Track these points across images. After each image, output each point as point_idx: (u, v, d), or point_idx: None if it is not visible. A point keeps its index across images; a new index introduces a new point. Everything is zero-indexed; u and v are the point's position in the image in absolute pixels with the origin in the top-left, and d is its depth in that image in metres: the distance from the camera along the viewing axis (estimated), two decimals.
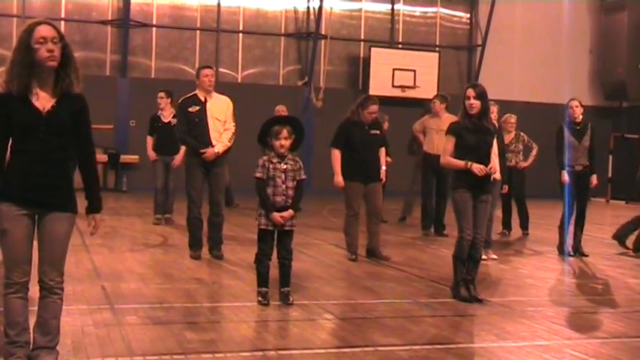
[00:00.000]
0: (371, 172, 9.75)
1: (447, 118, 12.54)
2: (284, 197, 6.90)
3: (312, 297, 7.41)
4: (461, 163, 7.37)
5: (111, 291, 7.29)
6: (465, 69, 24.06)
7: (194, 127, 9.28)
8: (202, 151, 9.18)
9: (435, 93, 21.78)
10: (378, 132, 9.86)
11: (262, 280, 7.01)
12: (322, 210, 16.08)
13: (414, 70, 22.28)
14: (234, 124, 9.46)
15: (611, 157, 24.25)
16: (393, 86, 22.00)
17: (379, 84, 21.94)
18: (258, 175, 6.92)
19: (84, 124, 4.64)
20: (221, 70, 21.60)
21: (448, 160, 7.53)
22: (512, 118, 13.00)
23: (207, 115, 9.30)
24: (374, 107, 9.73)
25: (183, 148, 12.29)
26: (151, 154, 12.91)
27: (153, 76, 21.10)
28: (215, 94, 9.50)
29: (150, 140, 13.03)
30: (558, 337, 6.21)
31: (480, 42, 23.49)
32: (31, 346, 4.66)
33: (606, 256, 11.06)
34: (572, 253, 10.74)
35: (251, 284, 7.28)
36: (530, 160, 13.04)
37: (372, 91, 21.46)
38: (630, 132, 24.08)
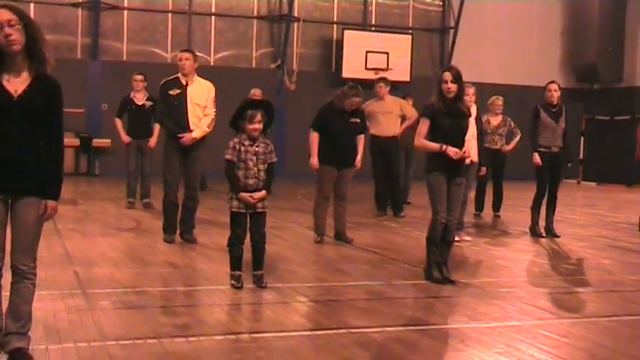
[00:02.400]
0: (346, 158, 9.78)
1: (391, 101, 12.63)
2: (256, 180, 6.88)
3: (286, 280, 7.42)
4: (436, 145, 7.37)
5: (83, 276, 7.25)
6: (438, 51, 24.10)
7: (173, 110, 9.22)
8: (180, 135, 9.12)
9: (408, 75, 22.07)
10: (358, 120, 9.86)
11: (235, 263, 7.00)
12: (296, 193, 16.09)
13: (387, 53, 22.29)
14: (214, 109, 9.40)
15: (582, 138, 24.46)
16: (366, 69, 21.99)
17: (352, 67, 21.93)
18: (228, 157, 6.89)
19: (56, 109, 4.57)
20: None
21: (423, 142, 7.51)
22: (500, 100, 13.04)
23: (187, 99, 9.24)
24: (355, 100, 9.73)
25: (157, 129, 12.34)
26: (125, 137, 12.82)
27: (124, 59, 20.93)
28: (198, 79, 9.44)
29: (119, 123, 12.94)
30: (530, 317, 6.27)
31: (452, 24, 23.53)
32: (3, 332, 4.62)
33: (578, 237, 11.17)
34: (544, 235, 10.83)
35: (224, 268, 7.27)
36: (512, 144, 13.11)
37: (345, 74, 21.50)
38: (601, 114, 24.29)
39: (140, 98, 12.81)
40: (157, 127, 12.50)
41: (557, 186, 10.91)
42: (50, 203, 4.56)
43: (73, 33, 20.73)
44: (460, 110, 7.52)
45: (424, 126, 7.50)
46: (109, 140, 19.47)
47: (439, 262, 7.52)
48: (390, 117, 12.47)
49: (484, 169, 10.58)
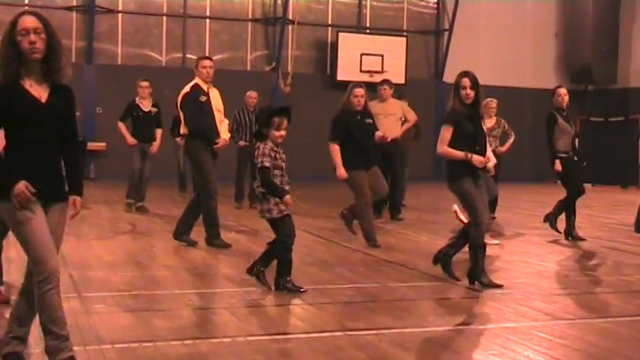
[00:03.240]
0: (370, 158, 9.79)
1: (393, 103, 12.61)
2: (289, 185, 6.98)
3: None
4: (460, 154, 7.26)
5: (78, 279, 7.25)
6: (433, 53, 24.14)
7: (206, 117, 9.28)
8: (217, 141, 9.24)
9: (403, 77, 22.06)
10: (370, 121, 9.87)
11: (290, 267, 7.01)
12: (291, 195, 16.03)
13: (382, 55, 22.30)
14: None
15: (576, 140, 24.45)
16: (361, 71, 22.00)
17: (347, 69, 21.94)
18: (267, 164, 6.84)
19: (73, 113, 4.68)
20: (188, 55, 21.48)
21: (447, 150, 7.35)
22: (494, 103, 13.02)
23: (212, 105, 9.31)
24: (359, 90, 9.70)
25: (159, 135, 12.83)
26: (130, 139, 12.87)
27: (119, 62, 20.93)
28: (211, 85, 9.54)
29: (122, 126, 12.98)
30: (525, 319, 6.27)
31: (447, 26, 23.56)
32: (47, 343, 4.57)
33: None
34: (580, 236, 10.71)
35: (222, 270, 7.28)
36: (507, 146, 13.03)
37: (339, 77, 21.53)
38: (596, 115, 24.32)
39: (146, 105, 12.88)
40: (159, 133, 12.87)
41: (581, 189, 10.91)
42: (78, 199, 4.61)
43: (67, 36, 20.68)
44: (479, 115, 7.51)
45: (447, 132, 7.35)
46: (103, 143, 19.46)
47: (475, 267, 7.39)
48: (392, 119, 12.45)
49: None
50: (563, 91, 10.81)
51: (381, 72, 21.64)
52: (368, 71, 21.91)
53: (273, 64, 22.07)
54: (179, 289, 7.22)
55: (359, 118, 9.73)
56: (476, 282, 7.35)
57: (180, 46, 21.33)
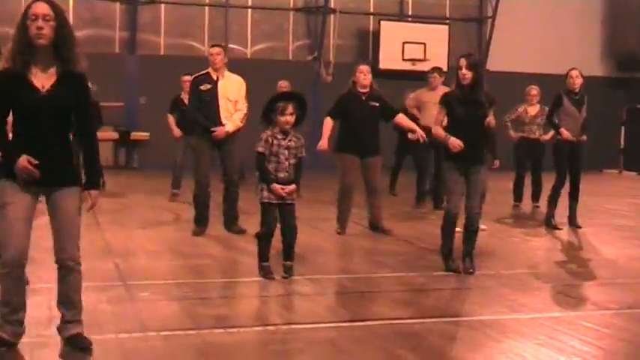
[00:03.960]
0: (368, 145, 9.53)
1: (442, 91, 12.42)
2: (287, 173, 6.89)
3: (323, 271, 7.43)
4: (441, 134, 7.35)
5: (123, 268, 7.32)
6: (475, 41, 23.89)
7: (205, 105, 9.25)
8: (213, 129, 9.15)
9: (445, 65, 21.87)
10: (377, 104, 9.59)
11: (265, 254, 7.01)
12: (333, 185, 16.02)
13: (424, 43, 22.13)
14: (246, 104, 9.43)
15: (623, 128, 24.12)
16: (403, 59, 21.88)
17: (389, 58, 21.83)
18: (260, 149, 6.90)
19: (84, 104, 4.63)
20: (230, 45, 21.51)
21: (436, 129, 7.51)
22: (534, 90, 12.88)
23: (218, 94, 9.26)
24: (363, 67, 9.61)
25: (171, 120, 12.91)
26: (176, 131, 12.97)
27: (162, 52, 21.05)
28: (228, 74, 9.43)
29: (171, 118, 13.13)
30: (570, 308, 6.21)
31: (490, 14, 23.32)
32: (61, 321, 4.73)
33: (620, 227, 11.01)
34: (559, 227, 10.44)
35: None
36: (551, 134, 12.85)
37: (382, 65, 21.41)
38: None
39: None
40: (170, 118, 12.99)
41: (578, 176, 10.61)
42: (93, 192, 4.63)
43: (111, 27, 20.87)
44: (477, 99, 7.40)
45: (440, 114, 7.53)
46: (147, 133, 19.60)
47: (464, 252, 7.48)
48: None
49: (497, 162, 10.17)
50: (574, 72, 10.56)
51: (424, 60, 21.51)
52: (410, 59, 21.78)
53: (315, 53, 22.03)
54: (222, 277, 7.26)
55: (363, 99, 9.55)
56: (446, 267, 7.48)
57: (222, 37, 21.35)
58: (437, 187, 12.49)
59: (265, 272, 6.94)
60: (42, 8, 4.41)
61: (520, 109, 13.10)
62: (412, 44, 22.08)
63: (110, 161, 19.82)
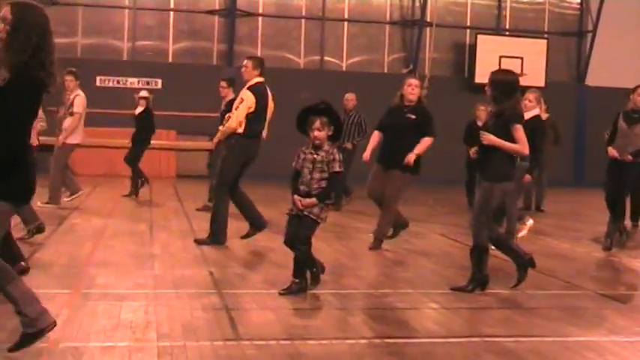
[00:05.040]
0: (391, 156, 9.19)
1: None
2: (306, 188, 6.71)
3: (417, 285, 7.38)
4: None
5: (218, 276, 7.41)
6: (575, 56, 23.45)
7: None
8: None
9: (543, 81, 21.48)
10: (413, 116, 9.28)
11: (296, 267, 6.85)
12: (428, 199, 15.93)
13: (522, 58, 21.82)
14: (235, 112, 9.34)
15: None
16: None
17: (485, 71, 21.37)
18: (293, 164, 6.85)
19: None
20: (326, 58, 21.69)
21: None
22: None
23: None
24: (412, 80, 9.50)
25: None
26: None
27: None
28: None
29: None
30: None
31: (590, 28, 22.83)
32: None
33: None
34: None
35: (354, 272, 7.27)
36: None
37: (477, 79, 21.20)
38: None
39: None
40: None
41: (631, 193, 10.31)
42: None
43: (209, 39, 21.28)
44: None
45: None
46: None
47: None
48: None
49: (528, 176, 9.83)
50: None
51: (521, 75, 21.11)
52: None
53: (411, 66, 21.99)
54: (316, 288, 7.26)
55: (404, 111, 9.31)
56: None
57: (318, 49, 21.54)
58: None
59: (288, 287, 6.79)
60: (4, 11, 4.48)
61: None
62: (509, 58, 21.78)
63: (206, 171, 20.12)
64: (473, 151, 6.92)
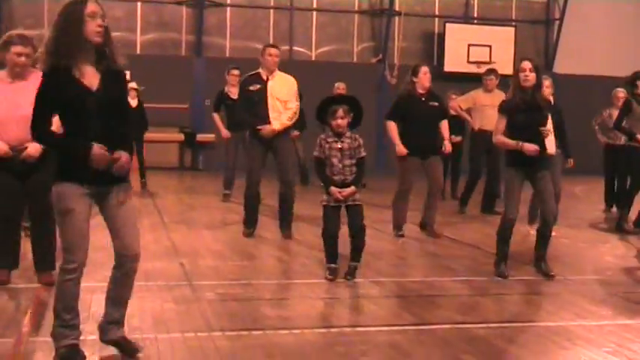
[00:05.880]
0: (429, 146, 9.50)
1: (499, 94, 12.21)
2: (341, 176, 6.92)
3: (388, 274, 7.41)
4: (512, 143, 7.21)
5: (189, 268, 7.39)
6: (542, 44, 23.60)
7: (255, 105, 9.19)
8: (259, 127, 9.13)
9: (512, 68, 21.56)
10: (436, 104, 9.62)
11: (329, 256, 7.06)
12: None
13: (490, 46, 21.94)
14: (297, 103, 9.34)
15: None
16: (469, 62, 21.71)
17: (454, 60, 21.70)
18: (315, 154, 7.01)
19: (125, 99, 4.70)
20: (295, 48, 21.65)
21: (500, 139, 7.36)
22: (621, 93, 12.39)
23: (267, 94, 9.23)
24: (425, 68, 9.60)
25: (217, 120, 13.08)
26: (224, 132, 12.98)
27: (227, 55, 21.24)
28: (279, 73, 9.36)
29: (217, 117, 13.13)
30: None
31: (557, 15, 22.99)
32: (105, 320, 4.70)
33: None
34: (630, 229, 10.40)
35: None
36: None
37: (447, 67, 21.31)
38: None
39: (235, 92, 12.93)
40: (216, 118, 13.20)
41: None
42: (123, 154, 4.46)
43: (177, 30, 21.16)
44: (537, 104, 7.29)
45: (500, 123, 7.37)
46: (212, 135, 19.77)
47: (538, 257, 7.44)
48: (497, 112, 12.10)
49: (571, 161, 10.09)
50: None
51: (489, 63, 21.28)
52: (476, 62, 21.59)
53: (380, 56, 22.01)
54: (287, 279, 7.29)
55: (423, 100, 9.52)
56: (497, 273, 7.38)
57: (287, 39, 21.48)
58: (491, 191, 12.25)
59: (329, 273, 6.96)
60: (97, 7, 4.39)
61: (605, 114, 12.81)
62: (478, 47, 21.92)
63: (175, 163, 20.09)
64: (533, 148, 7.00)
